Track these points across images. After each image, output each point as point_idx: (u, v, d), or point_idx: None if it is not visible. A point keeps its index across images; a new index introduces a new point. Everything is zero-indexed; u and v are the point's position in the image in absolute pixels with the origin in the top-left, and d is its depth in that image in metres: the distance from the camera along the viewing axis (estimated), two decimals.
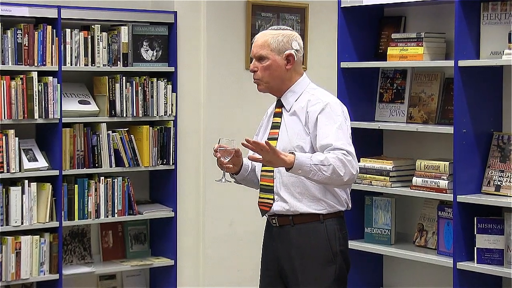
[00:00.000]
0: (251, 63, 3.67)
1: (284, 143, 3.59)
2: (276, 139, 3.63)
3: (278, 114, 3.68)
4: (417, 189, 4.47)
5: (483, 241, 4.22)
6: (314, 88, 3.67)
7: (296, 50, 3.62)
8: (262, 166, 3.67)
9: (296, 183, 3.58)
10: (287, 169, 3.41)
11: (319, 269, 3.57)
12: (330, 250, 3.58)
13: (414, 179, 4.48)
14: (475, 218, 4.23)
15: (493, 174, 4.31)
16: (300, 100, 3.62)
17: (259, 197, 3.70)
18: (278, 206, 3.62)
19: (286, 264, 3.63)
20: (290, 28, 3.69)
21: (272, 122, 3.69)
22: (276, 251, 3.67)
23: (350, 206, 3.70)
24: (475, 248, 4.23)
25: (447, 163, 4.35)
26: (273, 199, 3.63)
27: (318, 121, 3.53)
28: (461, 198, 4.25)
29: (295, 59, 3.63)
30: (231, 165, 3.63)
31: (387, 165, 4.59)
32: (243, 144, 3.38)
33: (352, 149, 3.49)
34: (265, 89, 3.66)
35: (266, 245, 3.75)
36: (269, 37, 3.61)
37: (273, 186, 3.63)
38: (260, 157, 3.37)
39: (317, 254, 3.58)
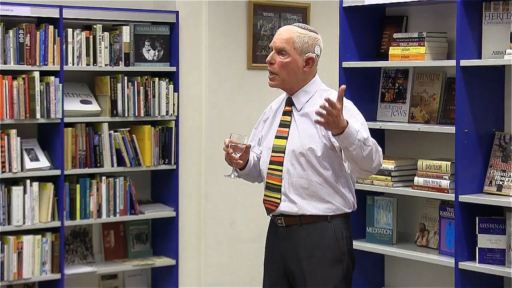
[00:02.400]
0: (268, 55, 3.62)
1: (295, 144, 3.57)
2: (286, 138, 3.62)
3: (287, 113, 3.65)
4: (418, 189, 4.46)
5: (484, 241, 4.21)
6: (326, 89, 3.66)
7: (317, 54, 3.62)
8: (269, 164, 3.66)
9: (305, 184, 3.57)
10: (334, 134, 3.36)
11: (327, 269, 3.57)
12: (338, 249, 3.58)
13: (416, 178, 4.48)
14: (477, 218, 4.23)
15: (495, 174, 4.31)
16: (312, 101, 3.60)
17: (265, 195, 3.68)
18: (285, 207, 3.61)
19: (293, 264, 3.62)
20: (316, 31, 3.66)
21: (281, 120, 3.67)
22: (282, 251, 3.65)
23: (356, 207, 3.70)
24: (477, 248, 4.22)
25: (449, 163, 4.35)
26: (280, 199, 3.62)
27: None
28: (463, 198, 4.24)
29: (314, 63, 3.62)
30: (241, 161, 3.62)
31: (389, 165, 4.58)
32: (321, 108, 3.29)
33: None
34: (278, 85, 3.63)
35: (271, 245, 3.73)
36: (295, 35, 3.58)
37: (281, 185, 3.61)
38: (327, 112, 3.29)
39: (325, 254, 3.57)
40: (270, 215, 3.70)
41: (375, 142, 3.48)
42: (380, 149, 3.49)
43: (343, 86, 3.36)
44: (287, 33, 3.60)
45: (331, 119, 3.30)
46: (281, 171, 3.61)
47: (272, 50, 3.62)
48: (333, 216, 3.59)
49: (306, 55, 3.59)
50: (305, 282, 3.58)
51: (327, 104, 3.28)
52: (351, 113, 3.53)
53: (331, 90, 3.67)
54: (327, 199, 3.58)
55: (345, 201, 3.62)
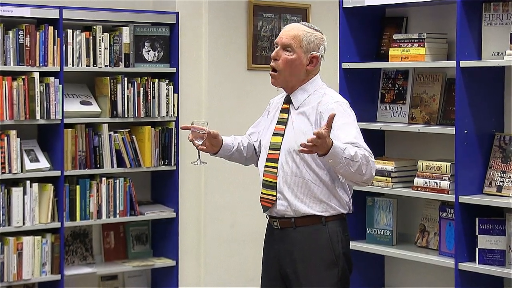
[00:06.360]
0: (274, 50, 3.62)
1: (290, 142, 3.58)
2: (282, 135, 3.62)
3: (285, 110, 3.66)
4: (418, 190, 4.46)
5: (484, 241, 4.22)
6: (324, 88, 3.66)
7: (321, 54, 3.62)
8: (266, 162, 3.65)
9: (299, 183, 3.57)
10: (319, 155, 3.35)
11: (322, 272, 3.56)
12: (333, 252, 3.57)
13: (416, 179, 4.48)
14: (477, 218, 4.23)
15: (494, 174, 4.31)
16: (310, 100, 3.60)
17: (261, 193, 3.68)
18: (280, 205, 3.61)
19: (288, 267, 3.62)
20: (321, 31, 3.66)
21: (279, 118, 3.68)
22: (278, 254, 3.66)
23: (352, 209, 3.69)
24: (477, 248, 4.23)
25: (449, 163, 4.35)
26: (276, 196, 3.62)
27: (334, 122, 3.47)
28: (463, 199, 4.25)
29: (318, 62, 3.62)
30: (205, 147, 3.70)
31: (389, 165, 4.58)
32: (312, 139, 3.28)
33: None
34: (280, 84, 3.64)
35: (267, 247, 3.74)
36: (302, 33, 3.59)
37: (276, 182, 3.61)
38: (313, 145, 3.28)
39: (319, 256, 3.57)
40: (267, 216, 3.70)
41: (366, 153, 3.40)
42: (372, 160, 3.43)
43: (333, 114, 3.32)
44: (294, 30, 3.61)
45: (315, 148, 3.29)
46: (276, 168, 3.61)
47: (277, 46, 3.62)
48: (328, 219, 3.58)
49: (311, 53, 3.60)
50: (300, 284, 3.58)
51: (315, 137, 3.26)
52: (343, 115, 3.51)
53: (329, 89, 3.67)
54: (322, 199, 3.57)
55: (340, 202, 3.61)
